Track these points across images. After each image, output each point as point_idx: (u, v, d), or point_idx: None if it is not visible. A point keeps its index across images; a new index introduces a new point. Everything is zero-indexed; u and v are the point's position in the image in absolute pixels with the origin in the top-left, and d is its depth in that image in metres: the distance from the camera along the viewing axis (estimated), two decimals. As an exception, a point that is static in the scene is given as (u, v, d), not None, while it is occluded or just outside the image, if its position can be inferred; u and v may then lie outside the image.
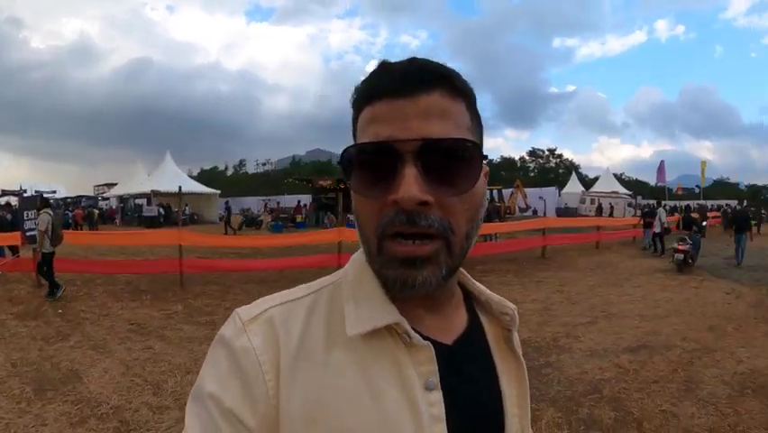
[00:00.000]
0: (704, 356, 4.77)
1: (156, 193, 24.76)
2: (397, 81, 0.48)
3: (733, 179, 73.20)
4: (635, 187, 48.61)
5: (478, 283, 0.62)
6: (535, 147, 69.05)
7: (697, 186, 40.88)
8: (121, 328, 5.26)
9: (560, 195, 30.49)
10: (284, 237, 12.22)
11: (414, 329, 0.50)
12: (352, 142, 0.52)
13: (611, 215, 26.68)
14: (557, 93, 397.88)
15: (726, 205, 31.30)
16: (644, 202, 23.93)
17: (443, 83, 0.49)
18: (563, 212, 28.47)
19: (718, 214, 25.62)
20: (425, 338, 0.51)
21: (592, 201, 29.61)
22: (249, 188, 52.29)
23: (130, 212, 26.66)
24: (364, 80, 0.52)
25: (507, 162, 68.53)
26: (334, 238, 9.09)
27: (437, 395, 0.50)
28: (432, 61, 0.51)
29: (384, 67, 0.51)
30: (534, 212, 25.43)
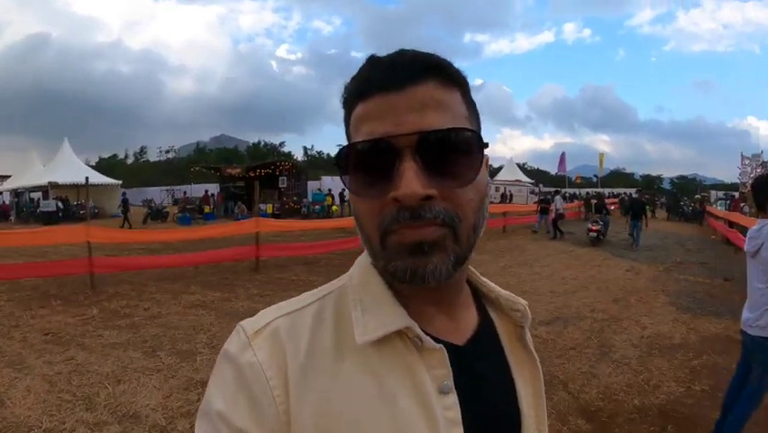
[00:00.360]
0: (613, 325, 5.42)
1: (53, 185, 22.38)
2: (388, 75, 0.47)
3: (628, 170, 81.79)
4: (537, 176, 52.51)
5: (486, 280, 0.61)
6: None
7: (595, 175, 45.01)
8: (35, 340, 4.77)
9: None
10: (198, 230, 11.51)
11: (425, 331, 0.49)
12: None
13: (510, 201, 28.72)
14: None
15: (624, 193, 34.84)
16: (546, 190, 26.08)
17: (436, 73, 0.47)
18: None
19: (616, 201, 28.50)
20: (437, 340, 0.50)
21: (497, 189, 31.41)
22: (152, 178, 49.03)
23: (25, 207, 23.92)
24: (353, 77, 0.51)
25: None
26: (252, 229, 8.74)
27: (452, 398, 0.49)
28: (422, 52, 0.49)
29: (372, 61, 0.50)
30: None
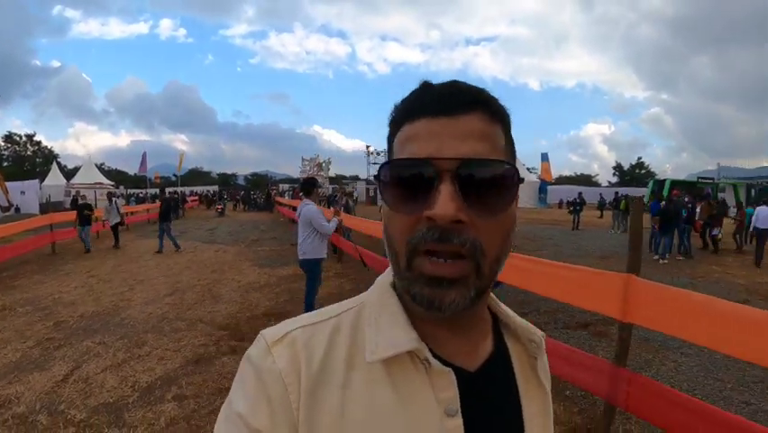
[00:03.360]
0: (217, 284, 7.25)
1: None
2: (438, 102, 0.48)
3: (206, 168, 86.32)
4: (117, 177, 49.30)
5: (504, 307, 0.61)
6: (12, 131, 53.84)
7: (174, 174, 46.41)
8: None
9: (41, 188, 27.39)
10: None
11: (436, 353, 0.50)
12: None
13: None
14: (41, 67, 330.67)
15: (207, 191, 37.75)
16: (131, 192, 25.82)
17: (483, 106, 0.49)
18: (50, 207, 26.17)
19: (197, 198, 31.06)
20: (447, 363, 0.50)
21: (77, 193, 28.38)
22: None
23: None
24: (404, 99, 0.52)
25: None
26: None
27: (457, 421, 0.49)
28: (471, 84, 0.51)
29: (425, 87, 0.51)
30: (17, 209, 22.01)
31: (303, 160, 26.94)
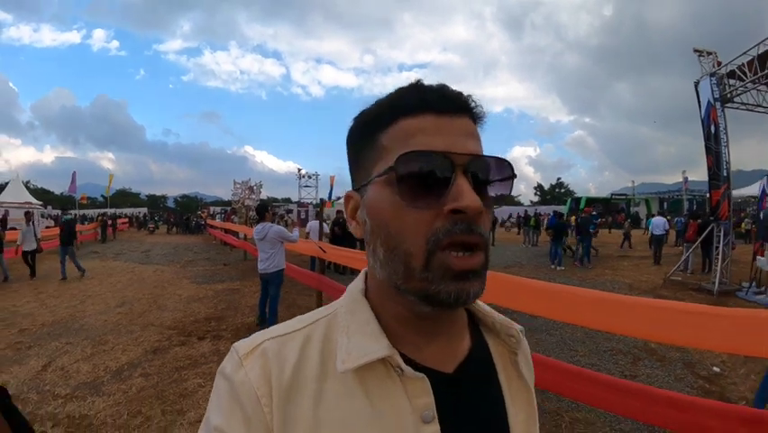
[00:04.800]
0: (159, 298, 8.14)
1: None
2: (441, 100, 0.49)
3: (135, 189, 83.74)
4: (43, 196, 46.65)
5: (483, 304, 0.61)
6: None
7: (102, 195, 44.67)
8: None
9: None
10: None
11: (411, 358, 0.51)
12: None
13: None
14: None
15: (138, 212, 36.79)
16: (61, 211, 25.08)
17: (472, 110, 0.52)
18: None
19: (126, 221, 30.61)
20: (423, 368, 0.50)
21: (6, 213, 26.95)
22: None
23: None
24: (390, 96, 0.52)
25: None
26: None
27: (434, 428, 0.48)
28: (461, 91, 0.53)
29: (421, 86, 0.52)
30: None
31: (235, 183, 27.54)
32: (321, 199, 32.49)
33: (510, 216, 35.17)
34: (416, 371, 0.50)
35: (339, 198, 35.70)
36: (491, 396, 0.56)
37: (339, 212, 13.45)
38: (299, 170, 38.75)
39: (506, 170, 0.51)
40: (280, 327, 0.55)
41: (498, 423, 0.55)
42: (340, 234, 10.99)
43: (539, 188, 75.49)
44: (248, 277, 10.35)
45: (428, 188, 0.47)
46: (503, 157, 0.51)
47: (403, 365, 0.49)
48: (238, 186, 26.87)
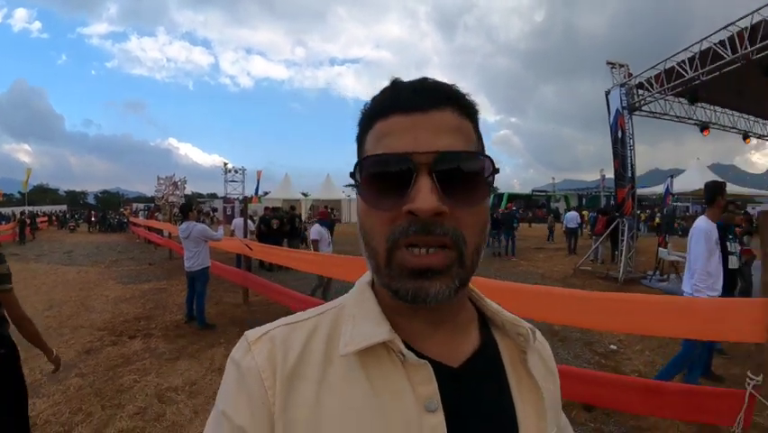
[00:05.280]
0: (86, 300, 8.37)
1: None
2: (410, 98, 0.49)
3: (53, 185, 77.21)
4: None
5: (489, 301, 0.61)
6: None
7: (20, 192, 40.95)
8: None
9: None
10: None
11: (417, 350, 0.51)
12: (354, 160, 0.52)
13: None
14: None
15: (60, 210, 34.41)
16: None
17: (454, 102, 0.50)
18: None
19: (45, 219, 28.67)
20: (425, 357, 0.50)
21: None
22: None
23: None
24: (375, 98, 0.53)
25: None
26: None
27: (439, 417, 0.48)
28: (443, 82, 0.52)
29: (396, 85, 0.52)
30: None
31: (158, 179, 26.72)
32: (244, 196, 31.83)
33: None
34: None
35: (266, 194, 35.21)
36: (498, 392, 0.56)
37: (267, 209, 13.87)
38: (225, 164, 37.60)
39: (482, 165, 0.50)
40: (291, 317, 0.57)
41: (504, 419, 0.54)
42: (266, 232, 11.41)
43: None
44: (174, 276, 10.64)
45: (391, 189, 0.47)
46: (480, 151, 0.51)
47: (404, 350, 0.50)
48: (162, 182, 26.15)
